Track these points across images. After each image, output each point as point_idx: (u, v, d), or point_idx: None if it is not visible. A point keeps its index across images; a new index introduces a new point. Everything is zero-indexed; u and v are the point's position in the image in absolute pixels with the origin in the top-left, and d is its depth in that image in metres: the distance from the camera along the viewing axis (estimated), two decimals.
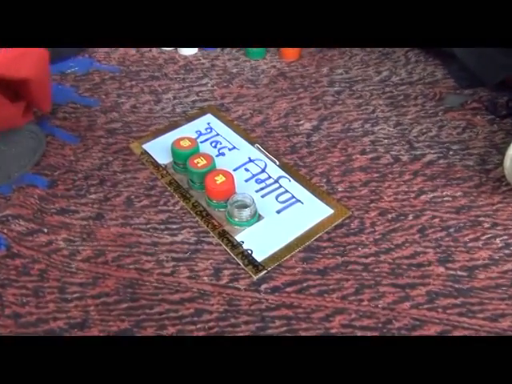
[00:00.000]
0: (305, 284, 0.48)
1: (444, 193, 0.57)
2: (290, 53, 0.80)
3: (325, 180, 0.59)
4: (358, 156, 0.62)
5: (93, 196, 0.57)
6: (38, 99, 0.58)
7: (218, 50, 0.82)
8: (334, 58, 0.80)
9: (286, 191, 0.57)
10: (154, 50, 0.81)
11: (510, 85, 0.67)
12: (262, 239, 0.52)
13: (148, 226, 0.54)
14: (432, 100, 0.71)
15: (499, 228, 0.53)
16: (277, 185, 0.58)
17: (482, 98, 0.70)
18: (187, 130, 0.65)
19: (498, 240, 0.52)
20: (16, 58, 0.51)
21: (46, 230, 0.54)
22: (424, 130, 0.66)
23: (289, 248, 0.51)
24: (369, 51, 0.81)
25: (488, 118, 0.67)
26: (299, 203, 0.56)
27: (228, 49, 0.82)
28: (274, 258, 0.50)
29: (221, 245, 0.52)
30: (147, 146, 0.63)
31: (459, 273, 0.49)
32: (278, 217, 0.54)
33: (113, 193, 0.58)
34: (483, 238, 0.52)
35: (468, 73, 0.72)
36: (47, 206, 0.56)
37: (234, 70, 0.78)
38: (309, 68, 0.78)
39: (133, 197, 0.58)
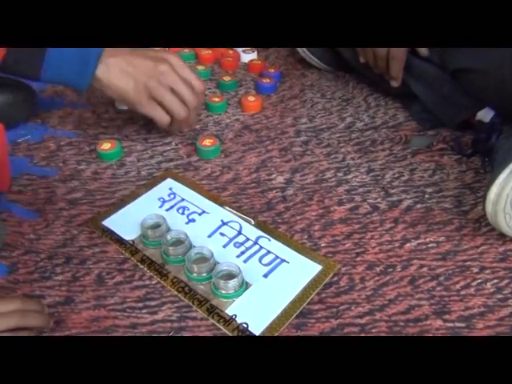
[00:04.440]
0: None
1: (427, 239, 0.56)
2: (252, 105, 0.79)
3: (306, 236, 0.57)
4: (336, 207, 0.61)
5: (59, 277, 0.52)
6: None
7: None
8: (296, 107, 0.80)
9: (269, 252, 0.54)
10: (110, 110, 0.78)
11: (472, 124, 0.68)
12: (255, 309, 0.48)
13: (124, 306, 0.50)
14: (399, 143, 0.72)
15: (487, 272, 0.52)
16: (257, 246, 0.55)
17: (446, 138, 0.72)
18: (149, 199, 0.61)
19: (488, 285, 0.51)
20: None
21: None
22: (396, 175, 0.66)
23: (285, 315, 0.48)
24: (329, 98, 0.82)
25: (455, 157, 0.68)
26: (285, 263, 0.53)
27: None
28: (272, 328, 0.47)
29: (207, 319, 0.48)
30: (108, 222, 0.58)
31: (457, 324, 0.47)
32: (267, 281, 0.51)
33: (81, 271, 0.53)
34: (474, 284, 0.51)
35: (429, 114, 0.74)
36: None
37: (198, 126, 0.75)
38: (272, 119, 0.77)
39: (104, 273, 0.53)
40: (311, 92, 0.84)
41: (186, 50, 0.93)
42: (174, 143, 0.72)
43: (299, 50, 0.88)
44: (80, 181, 0.65)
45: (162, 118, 0.65)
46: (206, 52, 0.92)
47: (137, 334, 0.47)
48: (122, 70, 0.60)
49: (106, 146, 0.68)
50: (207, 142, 0.69)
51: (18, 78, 0.67)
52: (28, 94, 0.73)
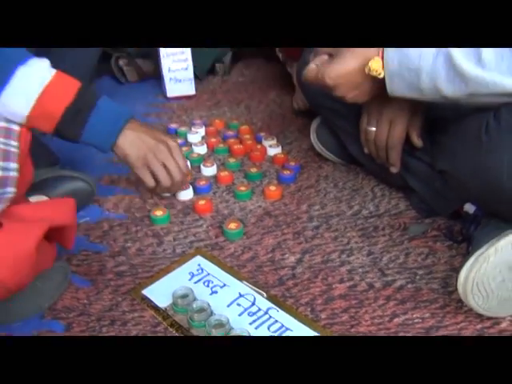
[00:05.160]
0: None
1: (414, 315, 0.65)
2: (273, 194, 0.92)
3: (309, 309, 0.67)
4: (338, 285, 0.71)
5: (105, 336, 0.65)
6: (66, 239, 0.68)
7: (211, 193, 0.95)
8: (312, 195, 0.93)
9: (276, 321, 0.65)
10: (155, 197, 0.94)
11: (461, 214, 0.78)
12: None
13: None
14: (398, 230, 0.82)
15: None
16: (267, 316, 0.66)
17: (440, 226, 0.82)
18: (181, 273, 0.74)
19: None
20: (57, 207, 0.63)
21: None
22: (393, 258, 0.76)
23: None
24: (341, 188, 0.95)
25: (447, 243, 0.78)
26: (289, 331, 0.63)
27: (219, 192, 0.95)
28: None
29: None
30: (147, 292, 0.71)
31: None
32: None
33: (123, 332, 0.65)
34: None
35: (426, 204, 0.84)
36: None
37: (226, 212, 0.89)
38: (290, 206, 0.90)
39: (140, 334, 0.65)
40: (325, 182, 0.97)
41: (221, 145, 1.10)
42: (205, 226, 0.85)
43: (316, 146, 1.02)
44: (126, 256, 0.79)
45: (149, 181, 0.84)
46: (237, 146, 1.08)
47: None
48: (132, 141, 0.79)
49: (158, 212, 0.87)
50: (232, 225, 0.82)
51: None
52: (87, 184, 0.89)
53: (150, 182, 0.84)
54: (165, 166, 0.83)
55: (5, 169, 0.57)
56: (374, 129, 0.82)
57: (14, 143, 0.59)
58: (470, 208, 0.76)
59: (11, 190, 0.59)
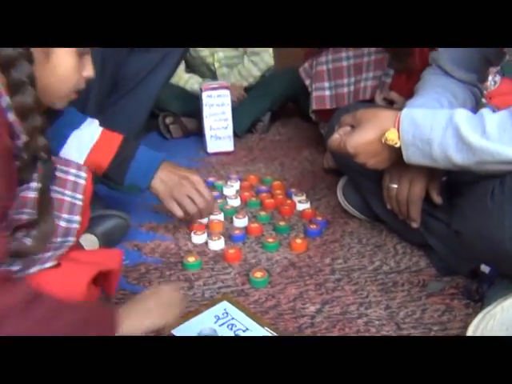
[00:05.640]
0: None
1: None
2: (299, 246, 0.98)
3: None
4: (353, 335, 0.75)
5: None
6: (110, 286, 0.75)
7: (241, 243, 1.01)
8: (336, 249, 0.98)
9: None
10: (189, 244, 1.01)
11: (479, 274, 0.81)
12: None
13: None
14: (417, 286, 0.85)
15: None
16: None
17: (458, 284, 0.85)
18: (207, 316, 0.80)
19: None
20: (107, 256, 0.70)
21: None
22: (410, 313, 0.79)
23: None
24: (364, 244, 0.99)
25: (464, 302, 0.80)
26: None
27: (248, 242, 1.01)
28: None
29: None
30: (176, 331, 0.76)
31: None
32: None
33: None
34: None
35: (446, 262, 0.87)
36: None
37: (253, 261, 0.95)
38: (314, 258, 0.95)
39: None
40: (350, 238, 1.02)
41: (253, 199, 1.17)
42: (233, 273, 0.92)
43: (342, 203, 1.08)
44: None
45: (176, 211, 0.97)
46: (268, 201, 1.16)
47: None
48: (161, 180, 0.95)
49: (190, 259, 0.94)
50: (258, 274, 0.88)
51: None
52: (123, 219, 0.99)
53: (178, 211, 0.97)
54: (190, 197, 0.96)
55: (69, 221, 0.66)
56: (395, 186, 0.87)
57: (80, 196, 0.68)
58: (485, 268, 0.79)
59: (72, 239, 0.67)
